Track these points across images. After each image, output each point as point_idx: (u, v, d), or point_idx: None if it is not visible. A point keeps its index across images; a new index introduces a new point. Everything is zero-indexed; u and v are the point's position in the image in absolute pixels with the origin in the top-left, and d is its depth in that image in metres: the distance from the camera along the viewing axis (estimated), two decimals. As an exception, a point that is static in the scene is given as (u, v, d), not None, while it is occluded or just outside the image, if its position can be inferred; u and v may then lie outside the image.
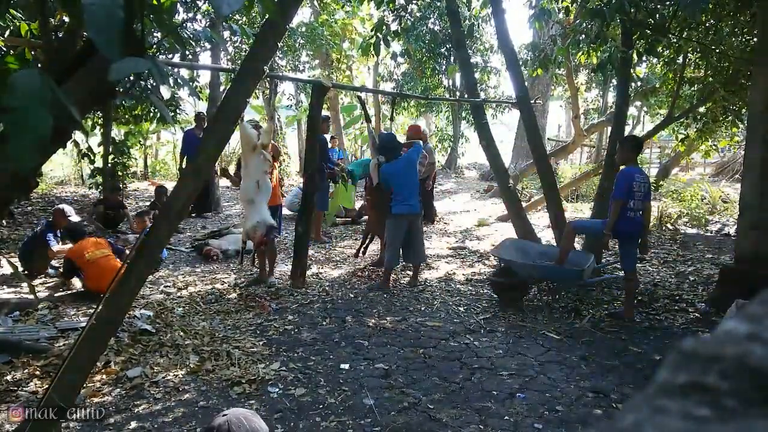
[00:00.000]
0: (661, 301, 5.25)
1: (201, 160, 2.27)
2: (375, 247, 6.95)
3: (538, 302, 5.28)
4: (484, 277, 6.16)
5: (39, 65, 1.99)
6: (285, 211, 7.84)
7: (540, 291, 5.44)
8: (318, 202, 6.71)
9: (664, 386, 0.30)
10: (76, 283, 5.44)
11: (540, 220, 8.87)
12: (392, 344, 4.20)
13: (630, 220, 4.60)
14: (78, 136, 9.30)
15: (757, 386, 0.28)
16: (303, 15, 16.62)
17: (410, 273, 6.03)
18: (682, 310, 4.99)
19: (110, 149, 9.51)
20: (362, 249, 6.65)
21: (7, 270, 5.52)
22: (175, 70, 5.74)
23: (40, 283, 5.53)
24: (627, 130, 7.83)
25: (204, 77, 13.00)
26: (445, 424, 3.05)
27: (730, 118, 7.24)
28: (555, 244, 6.18)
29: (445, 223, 9.53)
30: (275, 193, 5.59)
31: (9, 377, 3.51)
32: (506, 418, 3.13)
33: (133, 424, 3.01)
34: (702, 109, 7.36)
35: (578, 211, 10.35)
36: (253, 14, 9.40)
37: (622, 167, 4.77)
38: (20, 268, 5.50)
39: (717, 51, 6.45)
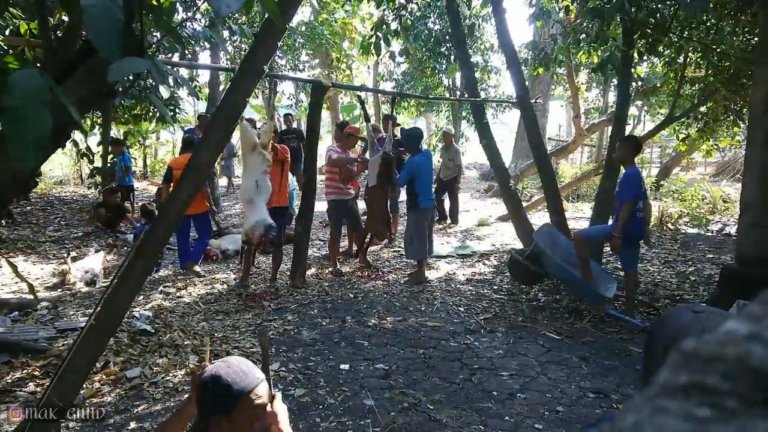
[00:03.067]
0: (662, 301, 5.24)
1: (200, 159, 2.27)
2: (374, 246, 6.94)
3: (539, 302, 5.28)
4: (485, 277, 6.16)
5: (38, 65, 1.98)
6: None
7: (540, 291, 5.44)
8: None
9: (664, 387, 0.30)
10: (77, 284, 5.45)
11: (540, 220, 8.85)
12: (392, 344, 4.20)
13: (638, 220, 4.61)
14: (77, 135, 9.30)
15: (758, 387, 0.28)
16: (303, 14, 16.62)
17: (410, 272, 6.04)
18: (682, 310, 4.98)
19: (109, 149, 9.51)
20: (365, 249, 6.58)
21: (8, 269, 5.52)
22: (175, 69, 5.73)
23: (39, 284, 5.54)
24: (627, 129, 7.83)
25: (203, 77, 13.04)
26: (445, 424, 3.05)
27: (731, 117, 7.24)
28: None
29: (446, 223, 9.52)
30: (282, 195, 5.56)
31: (9, 377, 3.50)
32: (507, 418, 3.13)
33: (133, 425, 3.01)
34: (703, 109, 7.35)
35: (578, 211, 10.35)
36: (253, 14, 9.40)
37: (626, 168, 4.76)
38: None
39: (718, 50, 6.44)
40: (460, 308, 5.08)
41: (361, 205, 6.80)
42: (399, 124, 6.64)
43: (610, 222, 5.38)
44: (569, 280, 4.92)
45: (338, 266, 6.22)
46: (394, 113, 7.69)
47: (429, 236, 5.91)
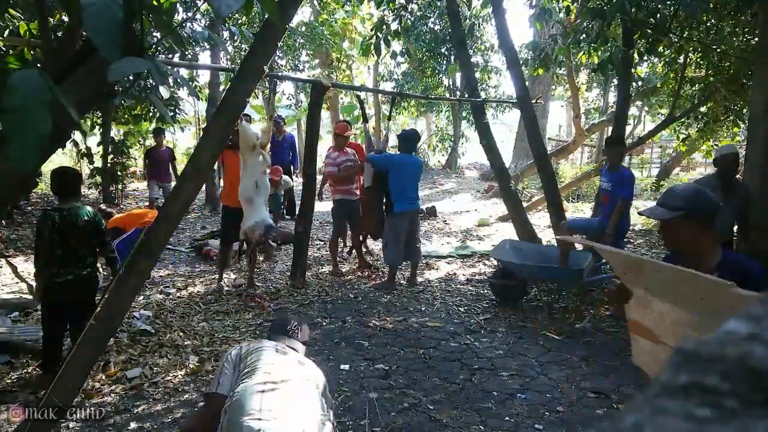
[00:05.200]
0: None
1: (200, 159, 2.27)
2: (375, 246, 6.93)
3: (539, 303, 5.28)
4: (485, 277, 6.15)
5: (38, 65, 1.98)
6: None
7: (540, 291, 5.44)
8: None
9: (665, 387, 0.30)
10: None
11: (540, 220, 8.87)
12: (392, 345, 4.20)
13: (628, 218, 4.71)
14: (77, 135, 9.30)
15: (758, 387, 0.28)
16: (303, 14, 16.63)
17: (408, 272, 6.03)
18: (682, 310, 5.00)
19: (109, 149, 9.52)
20: (360, 247, 6.56)
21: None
22: (175, 69, 5.74)
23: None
24: (628, 129, 7.83)
25: (204, 77, 13.03)
26: (445, 424, 3.05)
27: (731, 117, 7.24)
28: (555, 244, 6.18)
29: (446, 223, 9.53)
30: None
31: (9, 377, 3.50)
32: (507, 418, 3.13)
33: (133, 425, 3.01)
34: (703, 109, 7.36)
35: (579, 211, 10.34)
36: (253, 14, 9.41)
37: (620, 168, 4.84)
38: None
39: (718, 50, 6.45)
40: (460, 308, 5.08)
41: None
42: (368, 120, 6.55)
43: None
44: (544, 273, 5.04)
45: (338, 266, 6.21)
46: (394, 113, 7.68)
47: (411, 241, 5.69)
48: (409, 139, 5.71)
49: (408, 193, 5.55)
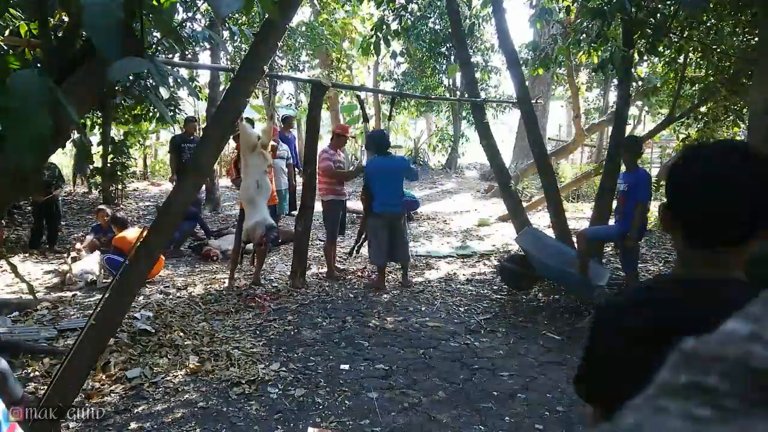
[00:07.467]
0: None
1: (200, 159, 2.27)
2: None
3: (539, 303, 5.28)
4: (486, 277, 6.15)
5: (38, 65, 1.98)
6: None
7: (540, 291, 5.44)
8: None
9: (664, 387, 0.30)
10: (77, 284, 5.45)
11: (540, 220, 8.87)
12: (392, 345, 4.20)
13: (646, 219, 4.68)
14: (77, 136, 9.29)
15: (758, 387, 0.28)
16: (303, 14, 16.61)
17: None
18: (682, 310, 4.99)
19: (109, 149, 9.52)
20: (357, 247, 6.53)
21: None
22: (175, 69, 5.73)
23: (39, 284, 5.54)
24: (628, 129, 7.83)
25: (203, 77, 13.03)
26: (445, 424, 3.05)
27: (731, 117, 7.24)
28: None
29: (446, 223, 9.53)
30: (271, 195, 5.55)
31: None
32: (507, 418, 3.13)
33: (133, 425, 3.01)
34: (703, 109, 7.35)
35: (578, 211, 10.35)
36: (253, 14, 9.40)
37: (633, 169, 4.77)
38: None
39: (718, 50, 6.45)
40: (460, 308, 5.08)
41: (358, 205, 6.77)
42: (368, 120, 6.50)
43: (611, 222, 5.39)
44: (558, 276, 4.97)
45: (333, 271, 6.12)
46: (394, 113, 7.68)
47: (396, 242, 5.60)
48: (375, 139, 5.69)
49: (384, 196, 5.51)
